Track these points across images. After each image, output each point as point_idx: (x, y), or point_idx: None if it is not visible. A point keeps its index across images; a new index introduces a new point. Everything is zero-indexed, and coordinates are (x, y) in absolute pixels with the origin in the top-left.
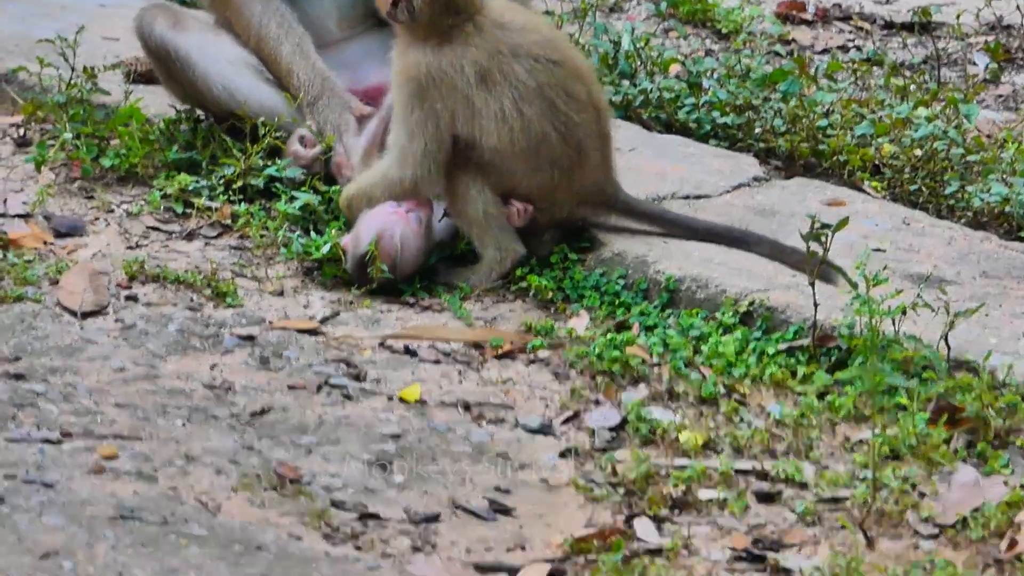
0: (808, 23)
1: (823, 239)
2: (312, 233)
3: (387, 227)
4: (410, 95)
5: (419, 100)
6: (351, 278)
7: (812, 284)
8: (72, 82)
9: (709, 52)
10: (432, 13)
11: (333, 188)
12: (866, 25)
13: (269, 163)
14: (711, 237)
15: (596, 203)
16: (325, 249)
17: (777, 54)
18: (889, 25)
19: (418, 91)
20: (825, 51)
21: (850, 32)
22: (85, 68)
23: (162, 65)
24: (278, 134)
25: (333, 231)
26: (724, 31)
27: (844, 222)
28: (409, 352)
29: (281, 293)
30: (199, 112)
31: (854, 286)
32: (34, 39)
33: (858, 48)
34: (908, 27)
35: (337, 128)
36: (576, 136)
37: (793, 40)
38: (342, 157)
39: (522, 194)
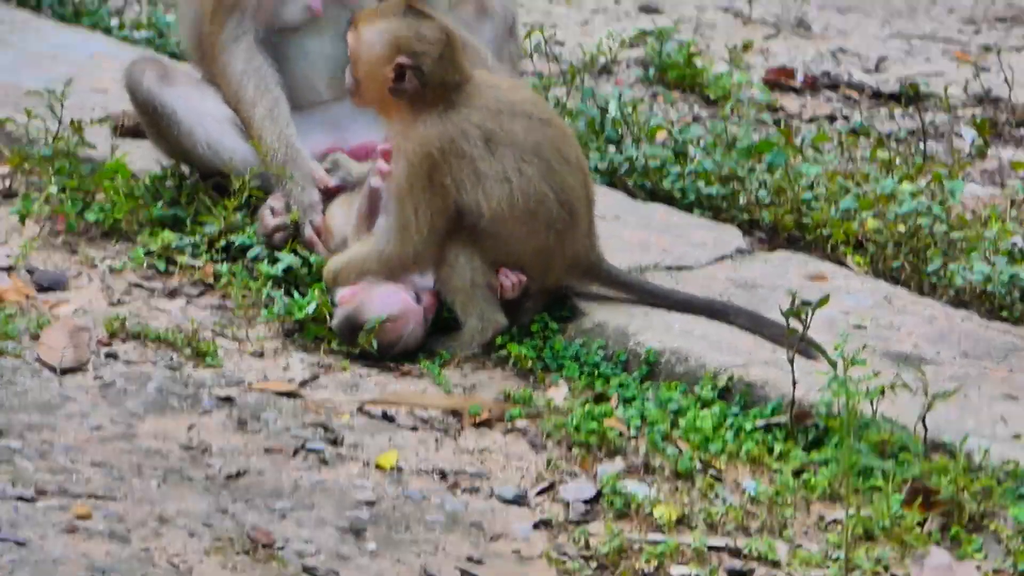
0: (796, 91)
1: (803, 316)
2: (295, 295)
3: (402, 316)
4: (420, 172)
5: (429, 176)
6: (336, 333)
7: (791, 361)
8: (59, 135)
9: (697, 118)
10: (442, 74)
11: (315, 256)
12: (854, 94)
13: (250, 220)
14: (691, 309)
15: (581, 271)
16: (310, 309)
17: (764, 122)
18: (877, 95)
19: (431, 169)
20: (812, 120)
21: (838, 101)
22: (72, 121)
23: (149, 119)
24: (256, 185)
25: (316, 292)
26: (712, 97)
27: (824, 300)
28: (387, 418)
29: (261, 354)
30: (184, 168)
31: (833, 365)
32: (23, 89)
33: (846, 118)
34: (896, 97)
35: (301, 203)
36: (569, 198)
37: (781, 108)
38: (311, 235)
39: (516, 261)
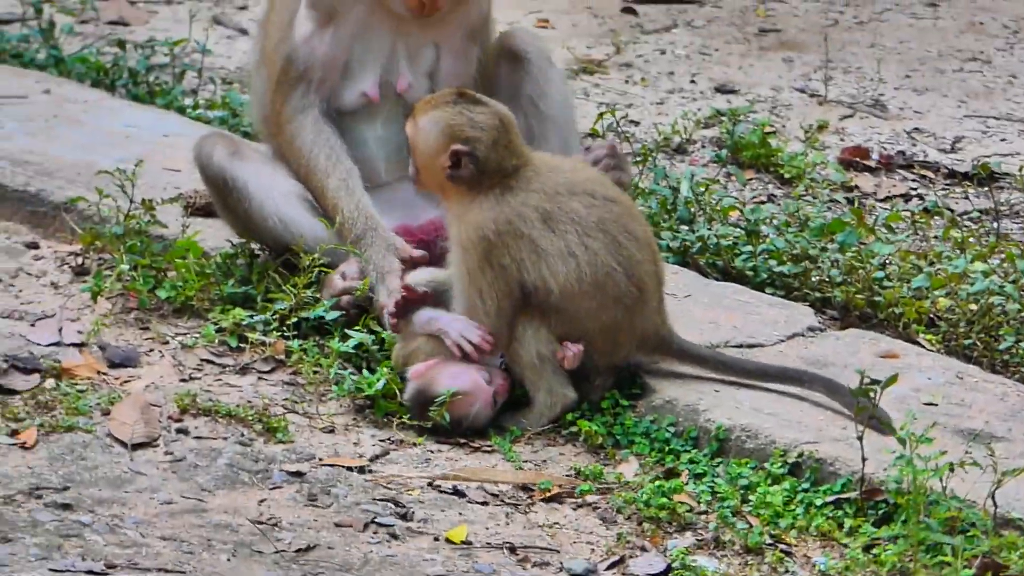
0: (871, 170)
1: (872, 394)
2: (364, 371)
3: (472, 393)
4: (479, 257)
5: (488, 260)
6: (407, 407)
7: (860, 438)
8: (131, 213)
9: (771, 197)
10: (498, 159)
11: (387, 333)
12: (929, 174)
13: (320, 296)
14: (766, 377)
15: (652, 346)
16: (380, 385)
17: (838, 201)
18: (952, 174)
19: (488, 251)
20: (887, 199)
21: (913, 180)
22: (144, 200)
23: (219, 193)
24: (326, 262)
25: (386, 369)
26: (787, 176)
27: (893, 378)
28: (457, 493)
29: (332, 430)
30: (255, 246)
31: (902, 442)
32: (96, 168)
33: (920, 197)
34: (971, 177)
35: (380, 270)
36: (638, 274)
37: (856, 187)
38: (385, 300)
39: (584, 337)
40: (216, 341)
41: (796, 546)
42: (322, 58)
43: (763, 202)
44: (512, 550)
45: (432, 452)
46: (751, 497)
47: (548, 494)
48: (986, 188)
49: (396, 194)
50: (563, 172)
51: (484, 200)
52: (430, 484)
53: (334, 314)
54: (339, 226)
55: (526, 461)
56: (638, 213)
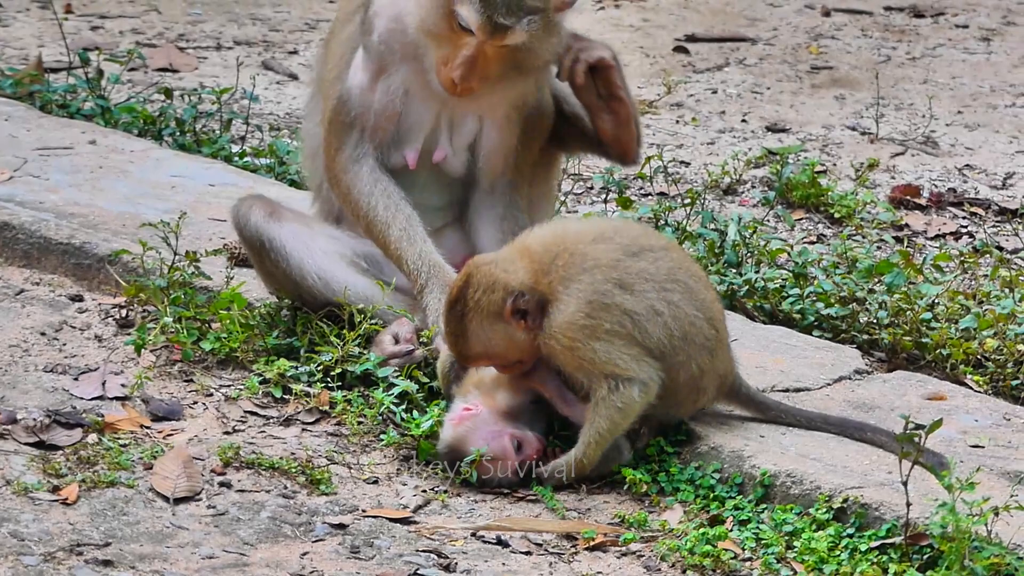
0: (922, 208)
1: (917, 440)
2: (413, 412)
3: (498, 458)
4: (586, 339)
5: (595, 335)
6: (439, 456)
7: (905, 483)
8: (175, 265)
9: (820, 237)
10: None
11: (436, 383)
12: (979, 211)
13: (365, 350)
14: (824, 428)
15: (727, 390)
16: (426, 426)
17: (887, 241)
18: (1003, 211)
19: (591, 330)
20: (937, 237)
21: (963, 218)
22: (188, 252)
23: (257, 255)
24: (374, 321)
25: (436, 409)
26: (837, 216)
27: (937, 424)
28: (501, 543)
29: (376, 481)
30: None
31: (948, 488)
32: (141, 220)
33: (970, 235)
34: (1022, 214)
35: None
36: (713, 315)
37: (906, 225)
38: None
39: (671, 387)
40: (260, 392)
41: None
42: (376, 107)
43: (812, 242)
44: None
45: (476, 502)
46: (796, 543)
47: (592, 543)
48: None
49: (445, 239)
50: (602, 237)
51: (557, 305)
52: (473, 534)
53: (386, 370)
54: (406, 276)
55: (570, 509)
56: (687, 254)
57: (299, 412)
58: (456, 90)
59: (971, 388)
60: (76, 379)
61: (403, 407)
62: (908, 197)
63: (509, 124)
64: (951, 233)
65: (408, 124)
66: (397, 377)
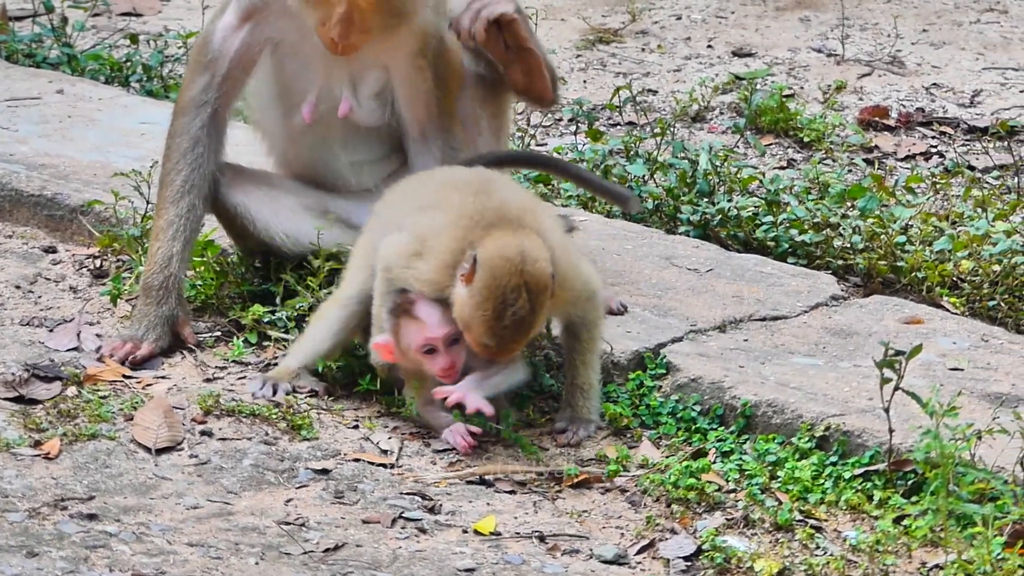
0: (891, 129)
1: (897, 366)
2: None
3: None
4: None
5: None
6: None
7: (887, 410)
8: (148, 214)
9: (791, 162)
10: None
11: None
12: (949, 130)
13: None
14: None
15: None
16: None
17: (857, 164)
18: (972, 130)
19: None
20: (908, 157)
21: (933, 137)
22: None
23: (225, 221)
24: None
25: None
26: (806, 140)
27: (917, 349)
28: (484, 483)
29: (357, 426)
30: None
31: (930, 413)
32: (112, 168)
33: (940, 155)
34: (991, 132)
35: (159, 323)
36: None
37: (875, 147)
38: None
39: None
40: (240, 341)
41: (826, 521)
42: (232, 55)
43: (783, 168)
44: (541, 539)
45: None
46: (779, 473)
47: (575, 480)
48: (1006, 143)
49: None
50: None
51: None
52: (457, 476)
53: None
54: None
55: (545, 449)
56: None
57: (277, 358)
58: (338, 49)
59: (948, 310)
60: (51, 331)
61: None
62: (877, 119)
63: (417, 71)
64: (921, 154)
65: (292, 80)
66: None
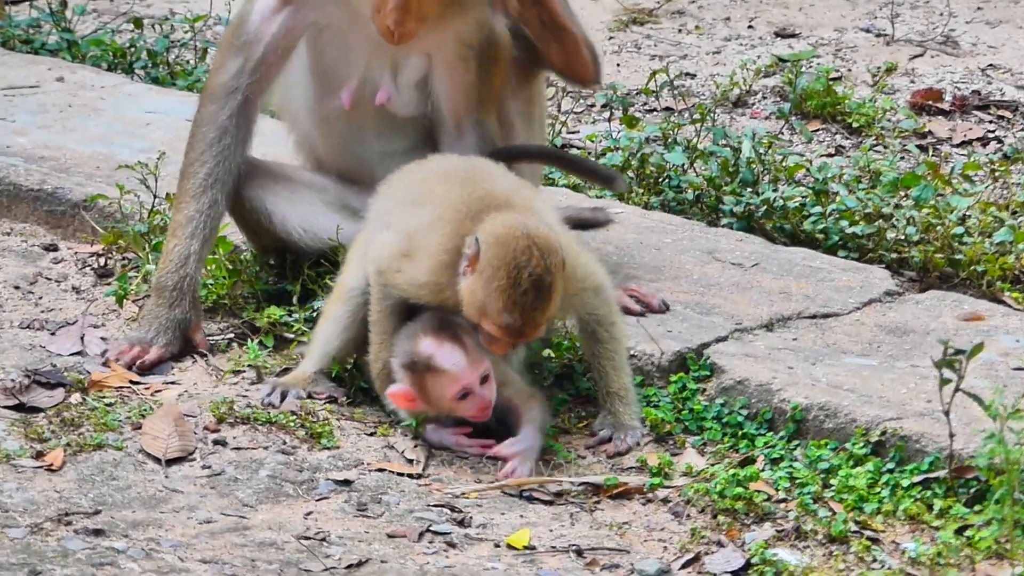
0: (945, 113)
1: (957, 367)
2: None
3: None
4: None
5: None
6: None
7: (947, 412)
8: (155, 209)
9: (839, 149)
10: None
11: None
12: (1007, 113)
13: None
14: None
15: None
16: None
17: (910, 151)
18: None
19: None
20: (964, 143)
21: (990, 122)
22: (168, 195)
23: (239, 217)
24: None
25: None
26: (855, 125)
27: (978, 348)
28: (517, 494)
29: (379, 433)
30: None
31: (992, 416)
32: (116, 161)
33: (998, 140)
34: None
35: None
36: None
37: (929, 133)
38: None
39: None
40: (255, 343)
41: (883, 532)
42: (268, 39)
43: (831, 155)
44: (579, 553)
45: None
46: (833, 481)
47: (614, 491)
48: None
49: None
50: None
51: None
52: (489, 487)
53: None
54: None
55: (581, 457)
56: None
57: (295, 361)
58: (394, 38)
59: (1010, 306)
60: (54, 334)
61: None
62: (930, 102)
63: (462, 62)
64: (978, 139)
65: (332, 66)
66: None
